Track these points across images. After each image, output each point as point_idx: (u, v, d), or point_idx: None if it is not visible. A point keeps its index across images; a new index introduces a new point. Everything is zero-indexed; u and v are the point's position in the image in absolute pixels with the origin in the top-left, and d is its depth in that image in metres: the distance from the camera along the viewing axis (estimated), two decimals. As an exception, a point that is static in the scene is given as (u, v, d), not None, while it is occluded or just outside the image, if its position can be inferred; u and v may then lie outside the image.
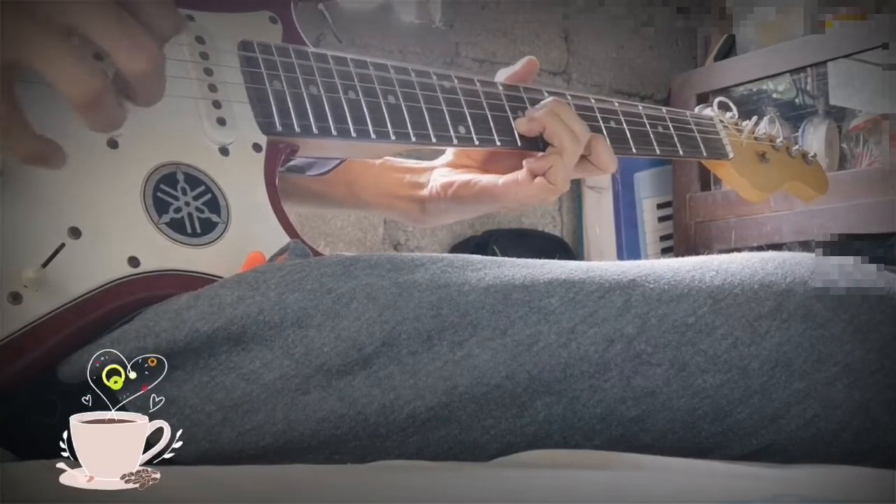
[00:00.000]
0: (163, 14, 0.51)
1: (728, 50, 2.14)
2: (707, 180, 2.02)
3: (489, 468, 0.47)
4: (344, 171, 0.85)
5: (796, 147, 1.00)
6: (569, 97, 0.81)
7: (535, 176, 0.76)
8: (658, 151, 0.85)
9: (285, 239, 0.60)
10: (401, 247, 1.94)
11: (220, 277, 0.55)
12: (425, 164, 0.87)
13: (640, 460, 0.46)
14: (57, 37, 0.48)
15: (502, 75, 0.81)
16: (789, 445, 0.50)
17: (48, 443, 0.43)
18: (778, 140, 0.98)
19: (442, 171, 0.85)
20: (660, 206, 2.12)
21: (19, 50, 0.47)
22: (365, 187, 0.89)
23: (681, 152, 0.87)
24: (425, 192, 0.85)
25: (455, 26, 2.01)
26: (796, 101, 2.01)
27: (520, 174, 0.78)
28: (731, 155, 0.91)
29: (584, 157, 0.77)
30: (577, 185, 2.10)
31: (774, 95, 2.04)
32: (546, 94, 0.79)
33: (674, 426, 0.49)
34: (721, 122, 0.93)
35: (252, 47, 0.64)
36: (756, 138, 0.96)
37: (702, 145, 0.89)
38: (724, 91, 2.01)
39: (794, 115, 1.98)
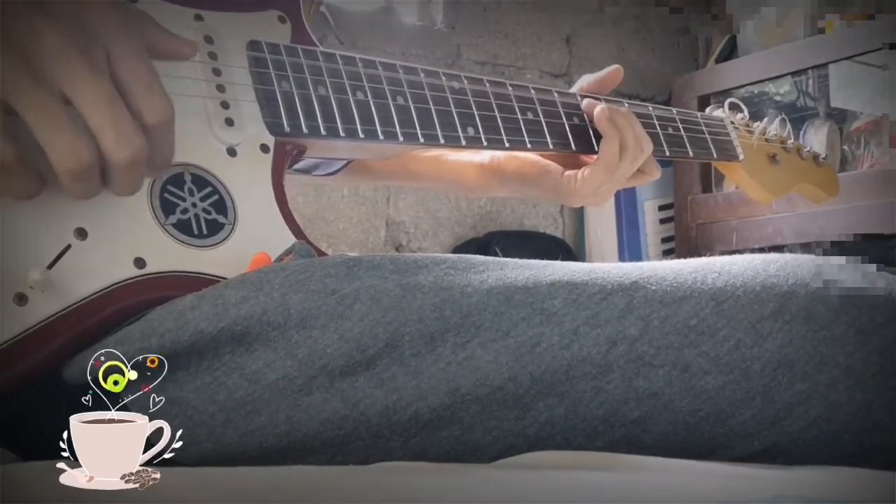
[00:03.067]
0: (154, 102, 0.50)
1: (729, 52, 2.14)
2: (708, 182, 2.02)
3: (491, 470, 0.47)
4: None
5: (807, 149, 0.99)
6: (579, 98, 0.81)
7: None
8: (668, 153, 0.85)
9: (291, 240, 0.60)
10: (403, 248, 1.94)
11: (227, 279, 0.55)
12: None
13: (642, 462, 0.46)
14: (51, 100, 0.47)
15: (586, 80, 0.85)
16: (791, 447, 0.50)
17: (48, 443, 0.43)
18: (789, 142, 0.97)
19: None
20: (661, 208, 2.12)
21: (10, 97, 0.46)
22: (416, 155, 0.88)
23: (691, 153, 0.86)
24: (485, 157, 0.87)
25: (456, 28, 2.01)
26: (797, 103, 2.01)
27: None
28: (741, 156, 0.91)
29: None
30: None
31: (776, 97, 2.04)
32: (556, 95, 0.79)
33: (676, 427, 0.49)
34: (732, 123, 0.92)
35: (261, 47, 0.63)
36: (767, 140, 0.95)
37: (712, 146, 0.88)
38: (725, 93, 2.01)
39: (795, 116, 1.98)
